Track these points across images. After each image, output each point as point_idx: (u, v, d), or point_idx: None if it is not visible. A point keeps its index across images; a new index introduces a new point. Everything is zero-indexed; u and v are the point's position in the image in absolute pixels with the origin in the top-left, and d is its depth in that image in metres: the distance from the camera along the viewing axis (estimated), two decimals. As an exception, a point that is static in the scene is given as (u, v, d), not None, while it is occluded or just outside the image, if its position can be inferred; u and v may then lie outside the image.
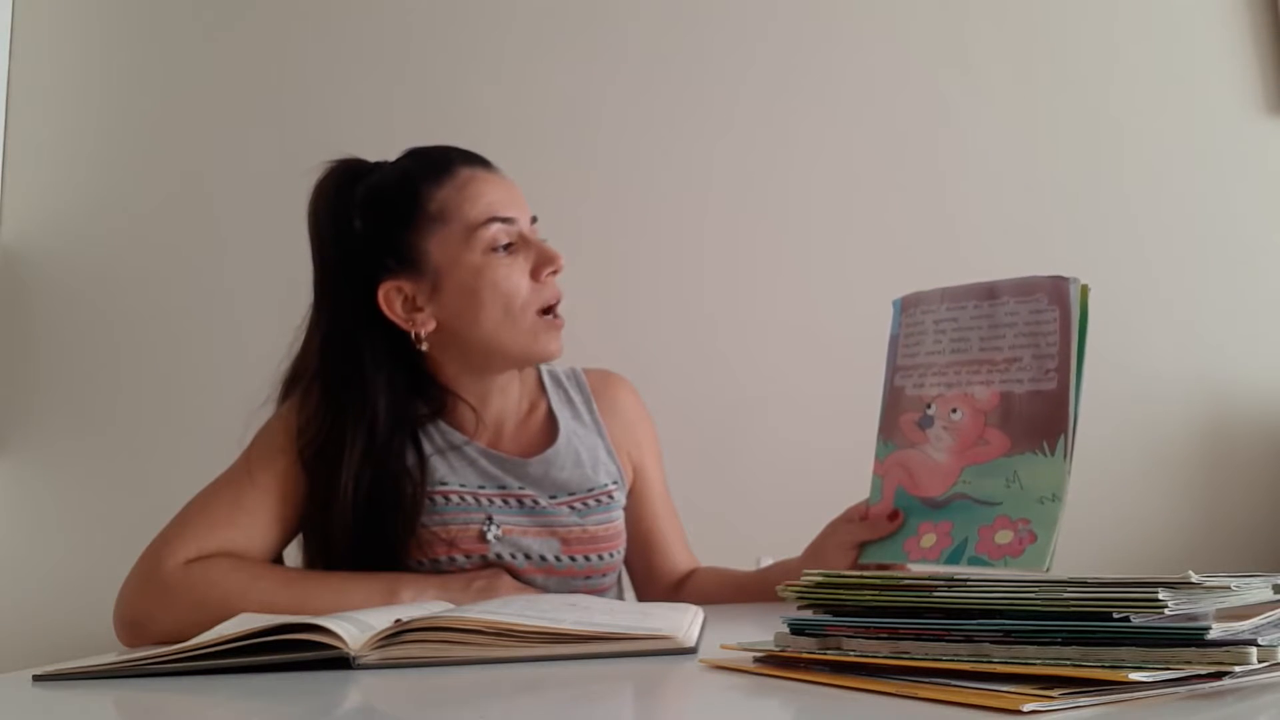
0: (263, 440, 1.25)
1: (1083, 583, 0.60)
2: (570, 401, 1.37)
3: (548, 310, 1.25)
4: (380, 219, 1.24)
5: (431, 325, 1.24)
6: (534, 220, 1.28)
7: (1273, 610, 0.61)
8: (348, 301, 1.24)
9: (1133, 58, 2.10)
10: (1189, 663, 0.56)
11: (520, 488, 1.26)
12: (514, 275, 1.23)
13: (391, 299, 1.23)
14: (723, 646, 0.78)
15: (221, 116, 2.14)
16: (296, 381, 1.27)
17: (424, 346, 1.24)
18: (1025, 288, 0.99)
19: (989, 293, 1.02)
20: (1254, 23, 2.08)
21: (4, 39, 2.12)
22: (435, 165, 1.26)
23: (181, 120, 2.14)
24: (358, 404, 1.20)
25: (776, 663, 0.71)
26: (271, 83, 2.14)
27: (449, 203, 1.23)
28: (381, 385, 1.22)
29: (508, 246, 1.24)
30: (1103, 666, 0.56)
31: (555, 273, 1.25)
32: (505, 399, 1.30)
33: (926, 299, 1.07)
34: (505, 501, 1.25)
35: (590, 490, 1.29)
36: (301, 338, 1.27)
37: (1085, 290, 0.96)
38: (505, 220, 1.24)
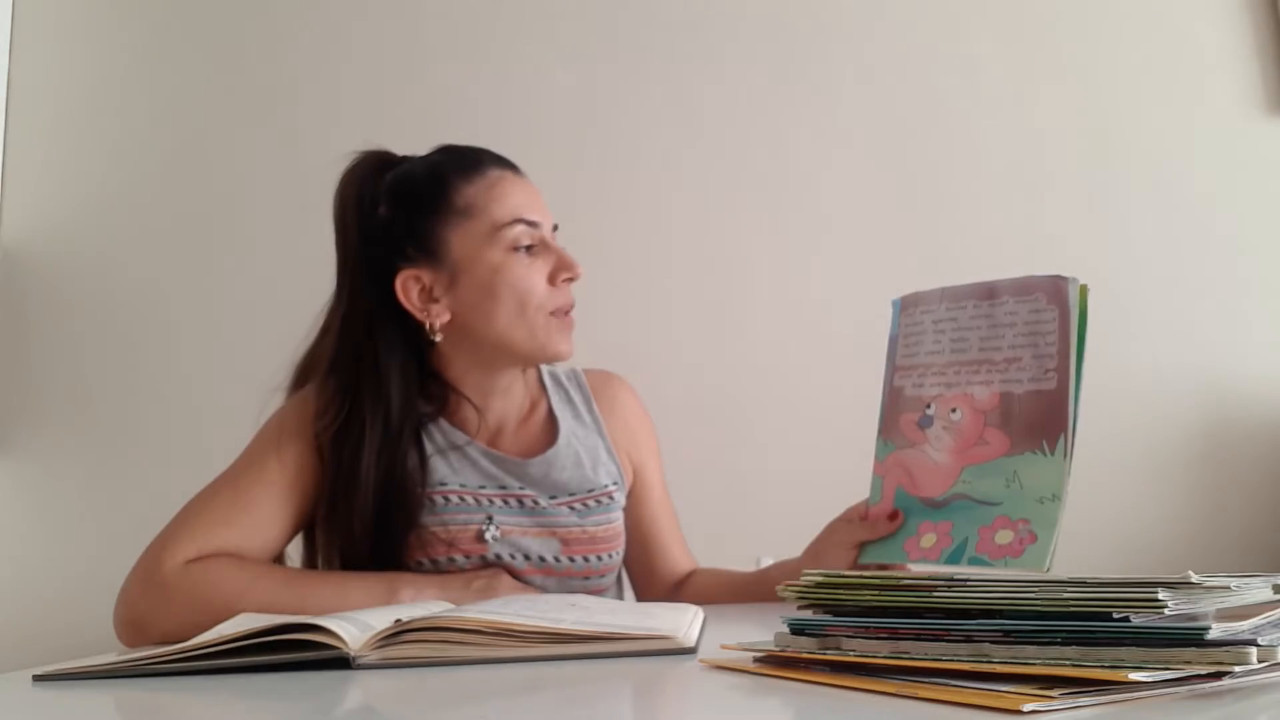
0: (267, 436, 1.25)
1: (1083, 583, 0.60)
2: (570, 402, 1.37)
3: (558, 312, 1.26)
4: (406, 207, 1.26)
5: (446, 317, 1.24)
6: (555, 228, 1.30)
7: (1273, 610, 0.61)
8: (366, 287, 1.25)
9: (1133, 58, 2.10)
10: (1189, 663, 0.56)
11: (520, 488, 1.26)
12: (531, 276, 1.24)
13: (409, 287, 1.24)
14: (723, 646, 0.78)
15: (221, 116, 2.14)
16: (311, 367, 1.28)
17: (437, 338, 1.25)
18: (1024, 287, 0.99)
19: (988, 293, 1.02)
20: (1254, 23, 2.08)
21: (4, 39, 2.12)
22: (467, 162, 1.28)
23: (181, 120, 2.14)
24: (373, 392, 1.22)
25: (776, 663, 0.71)
26: (272, 83, 2.14)
27: (477, 199, 1.25)
28: (395, 373, 1.23)
29: (529, 248, 1.25)
30: (1103, 666, 0.56)
31: (571, 279, 1.26)
32: (508, 399, 1.31)
33: (926, 299, 1.07)
34: (505, 502, 1.25)
35: (590, 491, 1.29)
36: (320, 323, 1.29)
37: (1084, 290, 0.96)
38: (530, 223, 1.25)
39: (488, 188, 1.26)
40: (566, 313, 1.27)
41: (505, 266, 1.23)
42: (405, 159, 1.31)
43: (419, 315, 1.24)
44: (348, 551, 1.20)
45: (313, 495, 1.21)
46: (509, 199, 1.25)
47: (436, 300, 1.24)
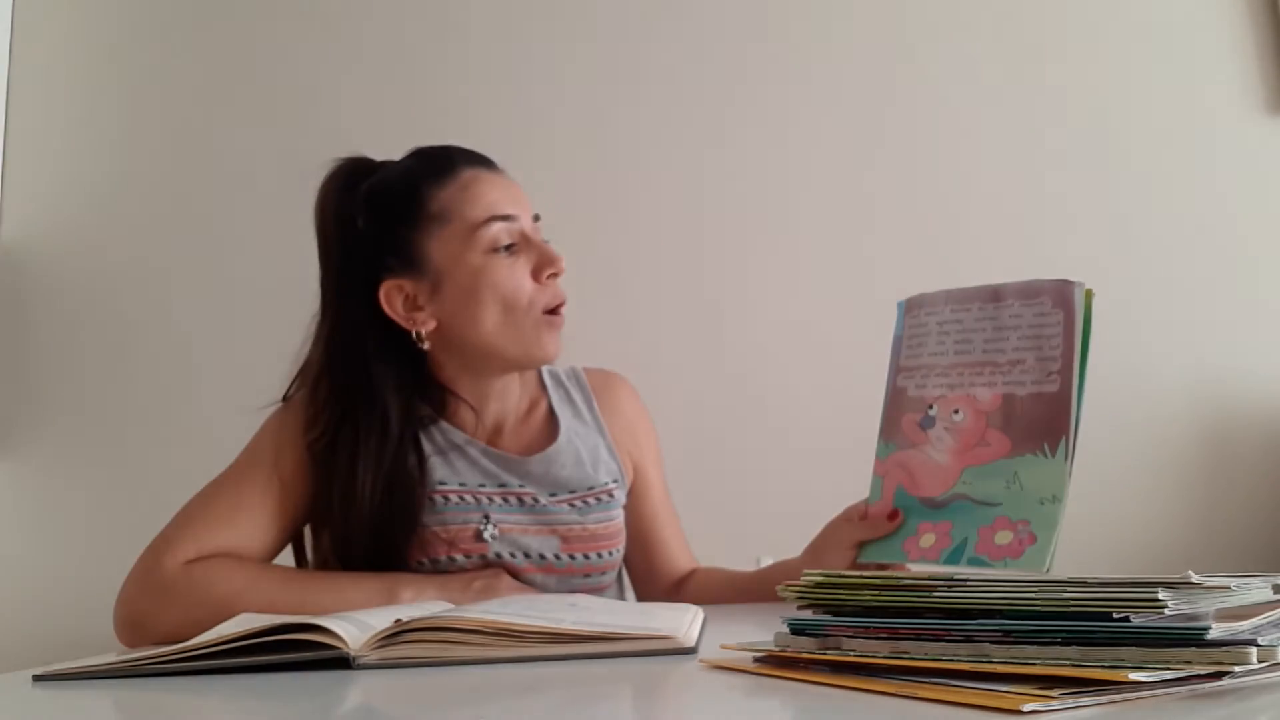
0: (265, 437, 1.25)
1: (1083, 583, 0.60)
2: (571, 400, 1.37)
3: (549, 311, 1.25)
4: (382, 218, 1.25)
5: (432, 325, 1.24)
6: (537, 219, 1.28)
7: (1273, 610, 0.61)
8: (352, 300, 1.24)
9: (1132, 58, 2.10)
10: (1189, 663, 0.56)
11: (520, 485, 1.26)
12: (515, 276, 1.23)
13: (392, 298, 1.23)
14: (723, 646, 0.78)
15: (221, 115, 2.14)
16: (305, 378, 1.27)
17: (426, 345, 1.24)
18: (1030, 291, 0.99)
19: (993, 295, 1.02)
20: (1254, 23, 2.08)
21: (4, 39, 2.12)
22: (438, 165, 1.26)
23: (182, 119, 2.14)
24: (367, 402, 1.21)
25: (776, 663, 0.71)
26: (272, 82, 2.14)
27: (450, 203, 1.23)
28: (390, 383, 1.22)
29: (509, 247, 1.24)
30: (1103, 666, 0.56)
31: (556, 275, 1.25)
32: (505, 401, 1.30)
33: (930, 301, 1.07)
34: (505, 499, 1.25)
35: (591, 488, 1.29)
36: (310, 335, 1.28)
37: (1089, 294, 0.96)
38: (506, 218, 1.24)
39: (460, 189, 1.24)
40: (557, 310, 1.25)
41: (486, 269, 1.22)
42: (381, 165, 1.29)
43: (404, 324, 1.23)
44: (346, 554, 1.20)
45: (308, 500, 1.21)
46: (482, 198, 1.24)
47: (421, 309, 1.23)
